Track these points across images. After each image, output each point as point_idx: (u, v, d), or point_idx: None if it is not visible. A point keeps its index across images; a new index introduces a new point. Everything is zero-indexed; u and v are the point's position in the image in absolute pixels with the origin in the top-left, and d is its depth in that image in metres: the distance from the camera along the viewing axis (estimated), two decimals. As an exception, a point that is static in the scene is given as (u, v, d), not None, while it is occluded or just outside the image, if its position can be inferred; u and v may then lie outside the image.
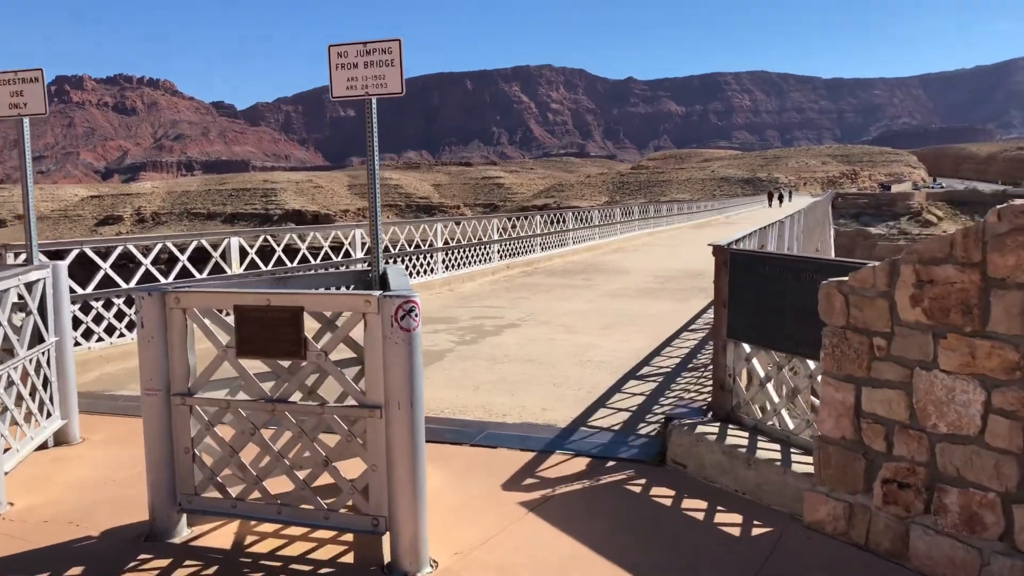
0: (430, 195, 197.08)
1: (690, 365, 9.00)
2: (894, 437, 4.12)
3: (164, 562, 4.36)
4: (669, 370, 8.79)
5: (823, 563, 4.22)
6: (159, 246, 10.76)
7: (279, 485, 4.59)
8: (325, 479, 4.48)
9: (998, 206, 3.70)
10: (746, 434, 5.55)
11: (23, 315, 6.02)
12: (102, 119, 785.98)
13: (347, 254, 14.76)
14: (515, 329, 11.70)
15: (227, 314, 4.61)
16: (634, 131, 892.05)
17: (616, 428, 6.66)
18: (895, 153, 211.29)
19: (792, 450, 5.22)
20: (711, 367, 8.27)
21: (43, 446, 6.29)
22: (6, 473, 5.33)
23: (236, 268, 11.42)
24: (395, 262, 15.91)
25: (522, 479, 5.55)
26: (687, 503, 5.07)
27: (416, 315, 4.09)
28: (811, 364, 5.21)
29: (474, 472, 5.67)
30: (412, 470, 4.13)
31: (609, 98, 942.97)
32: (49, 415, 6.33)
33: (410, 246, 16.81)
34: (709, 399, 6.67)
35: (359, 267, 14.38)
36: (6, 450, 5.51)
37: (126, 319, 10.02)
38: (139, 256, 10.21)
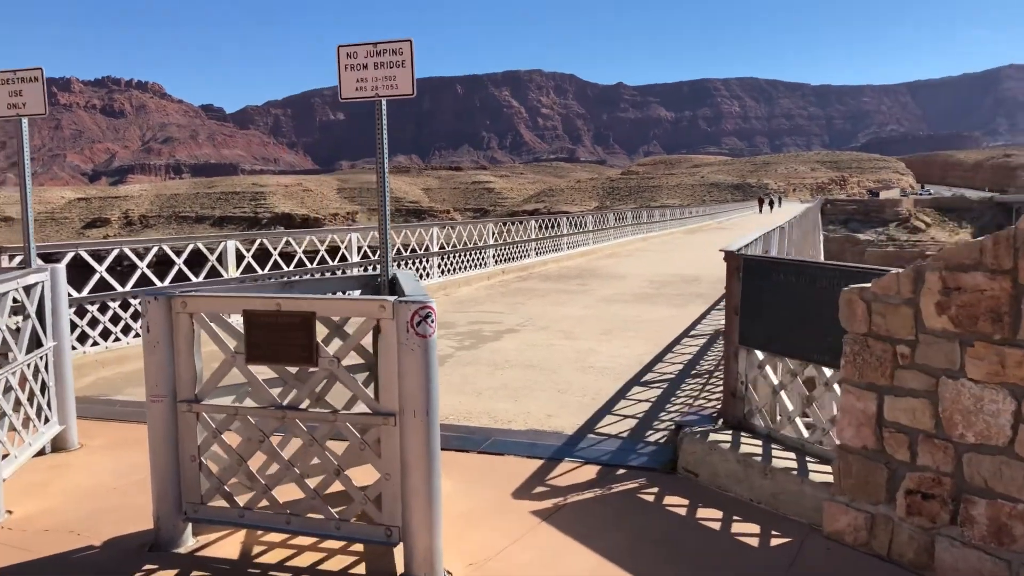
0: (420, 199, 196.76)
1: (693, 372, 8.93)
2: (918, 447, 4.05)
3: (170, 573, 4.25)
4: (672, 376, 8.72)
5: (846, 575, 4.15)
6: (155, 249, 10.61)
7: (286, 493, 4.49)
8: (334, 488, 4.39)
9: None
10: (759, 442, 5.48)
11: (19, 318, 5.89)
12: (90, 121, 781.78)
13: (343, 258, 14.63)
14: (514, 334, 11.61)
15: (228, 316, 4.51)
16: (624, 136, 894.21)
17: (624, 435, 6.57)
18: (883, 160, 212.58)
19: (807, 459, 5.15)
20: (717, 374, 8.25)
21: (40, 452, 6.15)
22: (4, 480, 5.19)
23: (232, 272, 11.29)
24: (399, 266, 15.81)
25: (532, 487, 5.46)
26: (702, 512, 4.99)
27: (432, 321, 4.00)
28: (827, 371, 5.15)
29: (483, 480, 5.57)
30: (427, 479, 4.03)
31: (599, 103, 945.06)
32: (47, 421, 6.20)
33: (406, 250, 16.70)
34: (718, 406, 6.60)
35: (357, 271, 14.27)
36: (4, 456, 5.37)
37: (121, 323, 9.88)
38: (135, 259, 10.07)
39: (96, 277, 9.56)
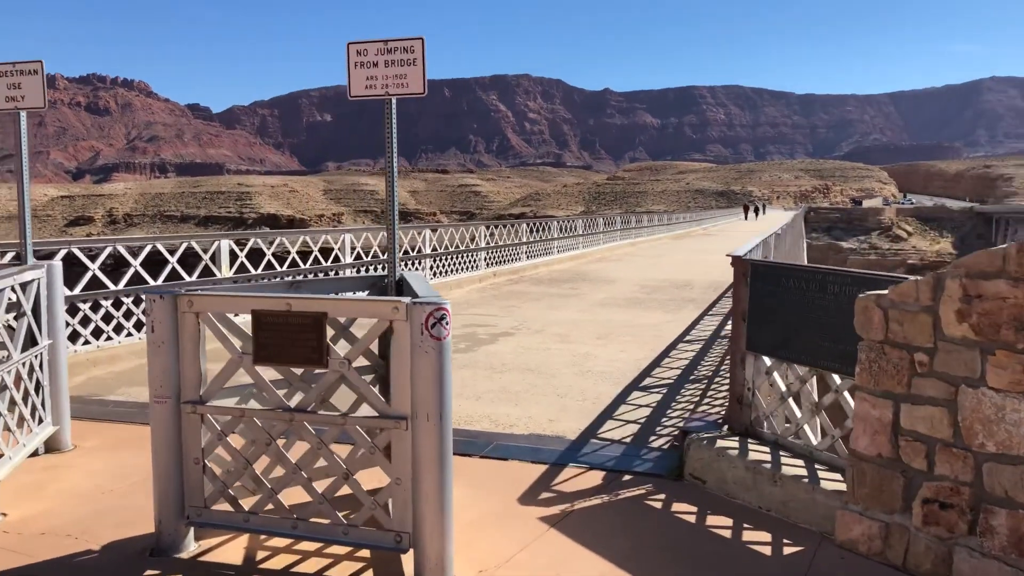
0: (407, 202, 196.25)
1: (692, 377, 8.90)
2: (936, 455, 4.01)
3: (173, 579, 4.15)
4: (671, 381, 8.68)
5: (861, 584, 4.11)
6: (148, 247, 10.47)
7: (290, 497, 4.40)
8: (340, 492, 4.30)
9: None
10: (766, 449, 5.44)
11: (11, 316, 5.76)
12: (74, 119, 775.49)
13: (336, 259, 14.51)
14: (509, 338, 11.54)
15: (234, 316, 4.42)
16: (610, 142, 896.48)
17: (627, 441, 6.52)
18: (866, 169, 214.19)
19: (816, 466, 5.11)
20: (717, 380, 8.22)
21: (34, 453, 6.02)
22: (-1, 482, 5.08)
23: (226, 271, 11.16)
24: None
25: (538, 493, 5.39)
26: (711, 520, 4.94)
27: (447, 323, 3.93)
28: (837, 379, 5.11)
29: (488, 485, 5.50)
30: (440, 485, 3.95)
31: (586, 109, 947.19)
32: (41, 421, 6.07)
33: (399, 252, 16.59)
34: (722, 412, 6.57)
35: (350, 272, 14.16)
36: (-1, 457, 5.26)
37: (113, 322, 9.73)
38: (128, 257, 9.92)
39: (89, 275, 9.41)
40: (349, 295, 5.18)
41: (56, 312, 6.23)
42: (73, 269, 9.64)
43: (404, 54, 5.02)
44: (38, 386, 6.03)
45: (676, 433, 6.55)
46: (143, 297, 10.08)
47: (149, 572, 4.23)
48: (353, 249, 14.81)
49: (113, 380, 8.86)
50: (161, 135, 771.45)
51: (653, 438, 6.58)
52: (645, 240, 40.43)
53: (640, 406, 7.60)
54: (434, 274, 17.59)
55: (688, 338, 11.53)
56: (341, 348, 4.26)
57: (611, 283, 19.60)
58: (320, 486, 4.30)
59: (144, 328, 10.12)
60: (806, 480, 4.89)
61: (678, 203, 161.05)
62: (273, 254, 12.94)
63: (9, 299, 5.55)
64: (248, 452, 4.38)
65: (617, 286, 18.88)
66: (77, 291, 9.28)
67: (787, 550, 4.51)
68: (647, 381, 8.69)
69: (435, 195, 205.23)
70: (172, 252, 10.50)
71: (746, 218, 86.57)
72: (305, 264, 13.45)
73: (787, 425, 5.49)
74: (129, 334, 9.96)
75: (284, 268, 12.78)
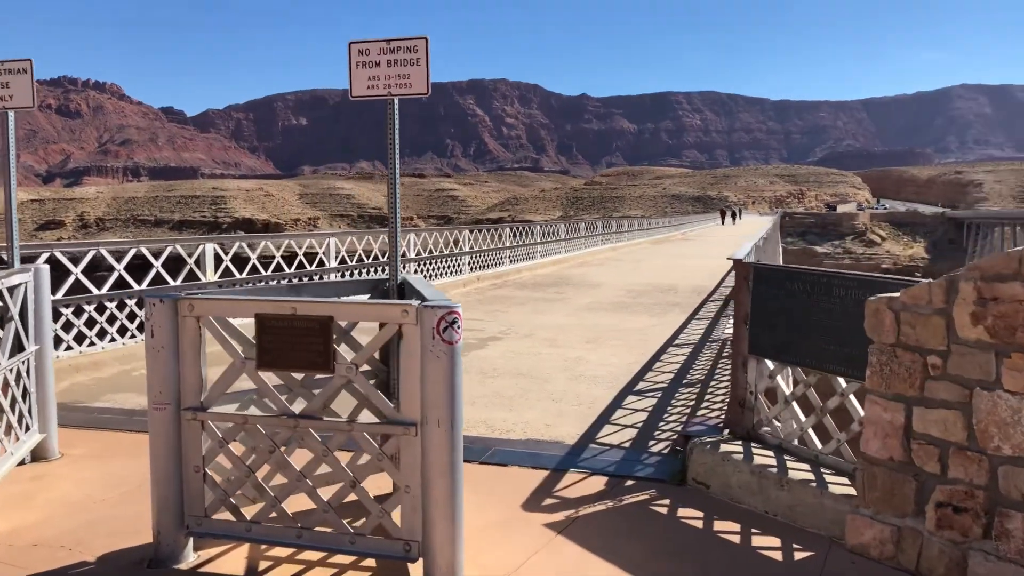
0: (383, 206, 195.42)
1: (685, 381, 8.87)
2: (949, 459, 3.99)
3: (174, 591, 4.03)
4: (665, 385, 8.65)
5: (876, 589, 4.08)
6: (132, 251, 10.29)
7: (292, 506, 4.30)
8: (345, 500, 4.20)
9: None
10: (770, 453, 5.40)
11: (-3, 321, 5.61)
12: (44, 121, 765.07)
13: (321, 263, 14.35)
14: (498, 342, 11.46)
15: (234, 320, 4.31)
16: (587, 147, 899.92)
17: (627, 445, 6.47)
18: (840, 174, 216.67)
19: (822, 470, 5.08)
20: (714, 384, 8.19)
21: (20, 463, 5.85)
22: (-13, 492, 4.92)
23: (211, 276, 10.98)
24: (376, 272, 15.57)
25: (541, 499, 5.32)
26: (718, 525, 4.89)
27: (459, 327, 3.85)
28: (842, 382, 5.09)
29: (490, 492, 5.41)
30: (451, 492, 3.88)
31: (563, 114, 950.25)
32: (28, 429, 5.91)
33: (382, 256, 16.46)
34: (722, 416, 6.53)
35: (335, 276, 14.01)
36: (-14, 467, 5.10)
37: (96, 327, 9.53)
38: (112, 262, 9.73)
39: (71, 279, 9.21)
40: (354, 298, 5.08)
41: (43, 317, 6.07)
42: (53, 273, 9.44)
43: (407, 54, 4.95)
44: (25, 393, 5.87)
45: (675, 437, 6.52)
46: (127, 302, 9.91)
47: (148, 584, 4.11)
48: (338, 253, 14.66)
49: (97, 386, 8.67)
50: (134, 138, 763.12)
51: (652, 443, 6.53)
52: (626, 245, 40.53)
53: (636, 410, 7.56)
54: (418, 278, 17.47)
55: (677, 342, 11.52)
56: (343, 353, 4.17)
57: (596, 287, 19.59)
58: (325, 494, 4.21)
59: (127, 334, 9.97)
60: (814, 484, 4.85)
61: (655, 208, 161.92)
62: (257, 258, 12.78)
63: (-5, 303, 5.40)
64: (250, 459, 4.28)
65: (602, 290, 18.87)
66: (60, 295, 9.08)
67: (797, 555, 4.47)
68: (641, 385, 8.66)
69: (412, 199, 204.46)
70: (156, 256, 10.32)
71: (723, 223, 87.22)
72: (290, 268, 13.28)
73: (792, 429, 5.46)
74: (113, 339, 9.77)
75: (269, 272, 12.61)
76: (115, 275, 9.80)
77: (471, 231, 20.72)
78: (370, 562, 4.31)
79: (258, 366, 4.13)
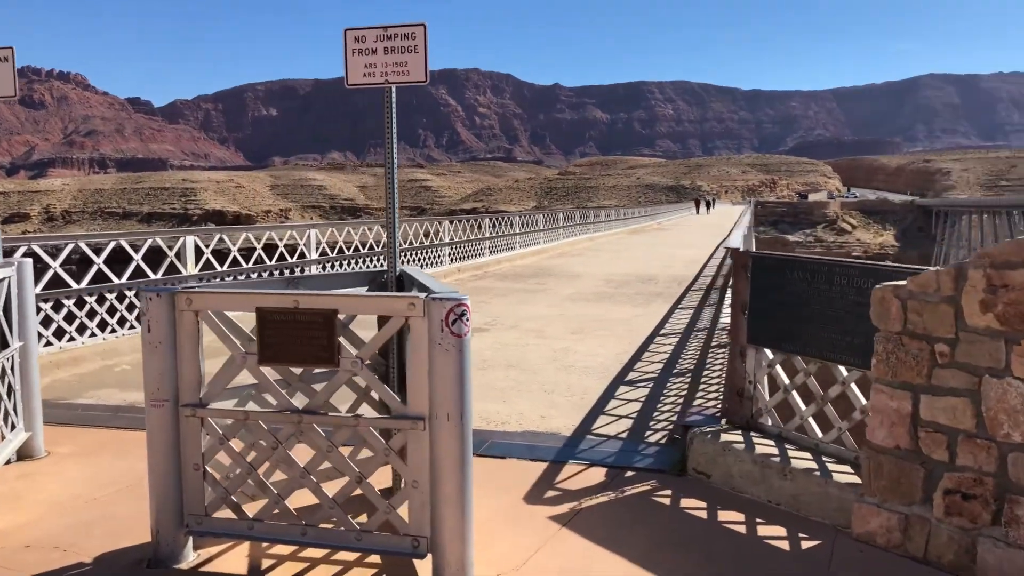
0: (355, 197, 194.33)
1: (675, 371, 8.86)
2: (958, 446, 4.00)
3: (177, 592, 3.93)
4: (655, 375, 8.63)
5: (886, 577, 4.08)
6: (112, 244, 10.07)
7: (294, 502, 4.21)
8: (350, 496, 4.12)
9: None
10: (771, 443, 5.40)
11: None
12: (7, 112, 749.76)
13: (301, 255, 14.18)
14: (484, 334, 11.40)
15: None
16: (560, 137, 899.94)
17: (623, 436, 6.44)
18: (811, 163, 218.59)
19: (824, 459, 5.08)
20: (706, 373, 8.19)
21: (6, 462, 5.70)
22: (-25, 493, 4.78)
23: (192, 268, 10.80)
24: (350, 264, 15.42)
25: (543, 491, 5.28)
26: (723, 515, 4.87)
27: (467, 319, 3.78)
28: (843, 370, 5.09)
29: (490, 484, 5.35)
30: (460, 487, 3.81)
31: (536, 104, 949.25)
32: (13, 427, 5.76)
33: (363, 248, 16.32)
34: (718, 406, 6.53)
35: (316, 269, 13.86)
36: (-28, 467, 4.96)
37: (76, 322, 9.32)
38: (91, 255, 9.52)
39: (50, 273, 9.00)
40: (356, 291, 4.99)
41: (27, 312, 5.92)
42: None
43: (405, 41, 4.85)
44: (10, 390, 5.72)
45: (672, 427, 6.50)
46: (107, 296, 9.71)
47: (149, 585, 4.01)
48: (319, 245, 14.50)
49: (78, 383, 8.49)
50: (100, 129, 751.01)
51: (648, 433, 6.51)
52: (603, 235, 40.58)
53: (629, 400, 7.54)
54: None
55: (663, 332, 11.52)
56: (362, 346, 4.09)
57: (576, 278, 19.58)
58: (329, 490, 4.12)
59: (108, 329, 9.77)
60: (818, 473, 4.85)
61: (629, 198, 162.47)
62: (218, 251, 12.57)
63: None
64: (250, 456, 4.19)
65: (583, 281, 18.85)
66: (38, 290, 8.86)
67: (804, 544, 4.46)
68: (631, 375, 8.64)
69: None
70: (136, 249, 10.12)
71: (698, 212, 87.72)
72: (272, 260, 13.11)
73: (792, 418, 5.45)
74: (93, 334, 9.57)
75: (250, 265, 12.43)
76: (94, 269, 9.58)
77: (451, 222, 20.59)
78: (375, 559, 4.24)
79: (260, 361, 4.03)
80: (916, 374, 4.17)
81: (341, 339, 4.35)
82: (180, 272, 10.62)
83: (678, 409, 7.13)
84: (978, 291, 3.88)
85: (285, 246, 13.98)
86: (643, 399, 7.59)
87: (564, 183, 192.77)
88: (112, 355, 9.51)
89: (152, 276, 10.04)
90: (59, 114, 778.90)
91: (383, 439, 4.05)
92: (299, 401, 4.21)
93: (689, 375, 8.55)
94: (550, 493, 5.25)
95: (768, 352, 5.62)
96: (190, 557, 4.25)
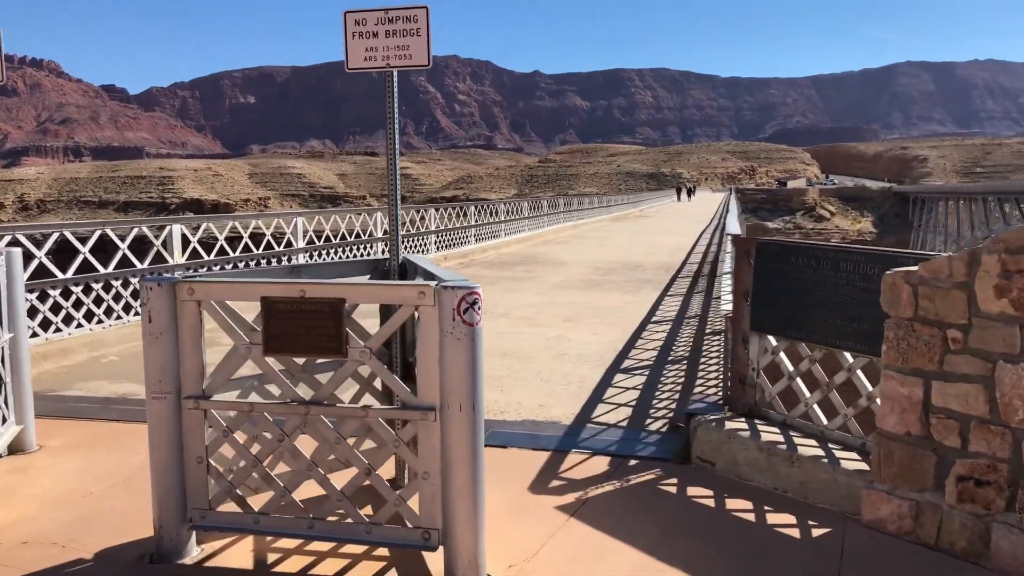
0: (335, 185, 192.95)
1: (670, 358, 8.85)
2: (971, 433, 3.99)
3: (182, 587, 3.85)
4: (651, 363, 8.61)
5: (900, 564, 4.06)
6: (98, 233, 9.88)
7: (300, 494, 4.14)
8: (358, 488, 4.06)
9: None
10: (775, 430, 5.37)
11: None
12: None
13: (288, 243, 14.02)
14: (475, 322, 11.31)
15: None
16: (540, 125, 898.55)
17: (624, 424, 6.41)
18: (790, 151, 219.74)
19: (830, 445, 5.07)
20: (703, 360, 8.17)
21: (-2, 456, 5.58)
22: (-32, 489, 4.67)
23: (179, 258, 10.63)
24: (339, 252, 15.28)
25: (548, 481, 5.23)
26: (731, 503, 4.85)
27: (479, 307, 3.73)
28: (849, 357, 5.07)
29: (493, 474, 5.20)
30: (472, 478, 3.75)
31: (515, 91, 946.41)
32: (4, 420, 5.63)
33: (350, 235, 16.18)
34: (719, 393, 6.51)
35: (303, 258, 13.72)
36: (-36, 462, 4.83)
37: (63, 312, 9.15)
38: (77, 244, 9.34)
39: (35, 263, 8.82)
40: (362, 280, 4.90)
41: (17, 303, 5.78)
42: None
43: (407, 24, 4.75)
44: (0, 383, 5.58)
45: (671, 415, 6.48)
46: (93, 286, 9.54)
47: (154, 581, 3.93)
48: (305, 233, 14.34)
49: (66, 375, 8.35)
50: (74, 117, 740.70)
51: (649, 421, 6.48)
52: (587, 222, 40.54)
53: (627, 388, 7.51)
54: (386, 258, 17.22)
55: (655, 319, 11.50)
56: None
57: (563, 265, 19.54)
58: (336, 482, 4.05)
59: (94, 319, 9.61)
60: (825, 461, 4.83)
61: (610, 186, 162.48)
62: (204, 239, 12.40)
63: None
64: (256, 449, 4.11)
65: (570, 268, 18.81)
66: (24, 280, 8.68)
67: (814, 532, 4.44)
68: (627, 363, 8.61)
69: (364, 178, 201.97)
70: (122, 239, 9.94)
71: (679, 199, 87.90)
72: (259, 249, 12.94)
73: (798, 406, 5.43)
74: (80, 325, 9.40)
75: (236, 254, 12.26)
76: (79, 258, 9.40)
77: (436, 209, 20.47)
78: (382, 552, 4.18)
79: (265, 352, 3.94)
80: (928, 360, 4.15)
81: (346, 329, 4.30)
82: (167, 261, 10.45)
83: (677, 397, 7.11)
84: (992, 276, 3.86)
85: (272, 234, 13.82)
86: (640, 387, 7.56)
87: (545, 171, 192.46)
88: (100, 346, 9.35)
89: (140, 265, 9.87)
90: (32, 102, 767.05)
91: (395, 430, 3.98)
92: (303, 392, 4.13)
93: (685, 362, 8.54)
94: (555, 483, 5.21)
95: (771, 339, 5.59)
96: (194, 552, 4.17)
